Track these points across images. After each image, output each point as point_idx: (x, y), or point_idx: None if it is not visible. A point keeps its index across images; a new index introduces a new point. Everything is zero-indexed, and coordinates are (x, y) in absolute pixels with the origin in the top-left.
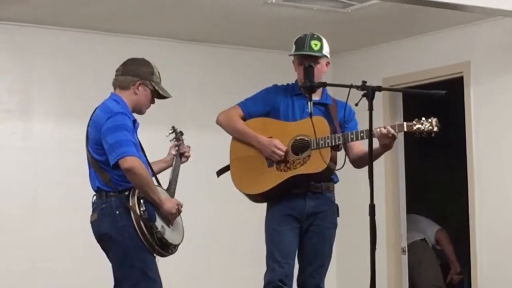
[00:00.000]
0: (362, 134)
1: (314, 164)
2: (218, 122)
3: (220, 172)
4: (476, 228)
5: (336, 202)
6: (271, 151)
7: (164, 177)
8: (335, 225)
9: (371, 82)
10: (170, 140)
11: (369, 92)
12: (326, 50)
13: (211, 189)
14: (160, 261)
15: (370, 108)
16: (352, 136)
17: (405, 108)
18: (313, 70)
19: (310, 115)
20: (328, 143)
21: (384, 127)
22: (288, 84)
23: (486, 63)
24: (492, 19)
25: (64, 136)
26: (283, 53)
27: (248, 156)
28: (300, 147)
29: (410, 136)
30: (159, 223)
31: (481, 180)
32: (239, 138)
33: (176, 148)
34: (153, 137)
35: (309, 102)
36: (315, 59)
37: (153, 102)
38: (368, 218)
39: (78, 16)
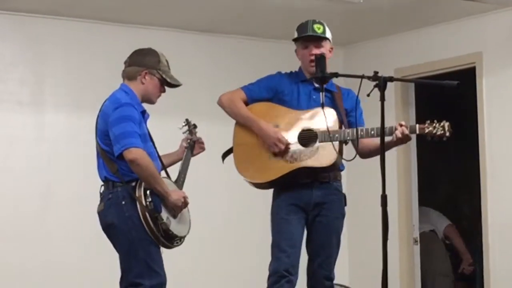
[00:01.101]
0: (373, 132)
1: (321, 158)
2: (220, 103)
3: (224, 155)
4: (488, 219)
5: (347, 191)
6: (273, 142)
7: (175, 171)
8: (342, 215)
9: (383, 73)
10: (183, 133)
11: (381, 83)
12: (329, 35)
13: (222, 180)
14: (168, 252)
15: (382, 99)
16: (362, 133)
17: (417, 99)
18: (325, 60)
19: (322, 105)
20: (337, 137)
21: (400, 126)
22: (291, 72)
23: (499, 53)
24: (505, 9)
25: (76, 127)
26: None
27: (252, 142)
28: (307, 138)
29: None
30: (164, 214)
31: (493, 171)
32: (240, 122)
33: (188, 140)
34: (165, 128)
35: (321, 93)
36: (319, 42)
37: (163, 91)
38: (380, 208)
39: (91, 7)
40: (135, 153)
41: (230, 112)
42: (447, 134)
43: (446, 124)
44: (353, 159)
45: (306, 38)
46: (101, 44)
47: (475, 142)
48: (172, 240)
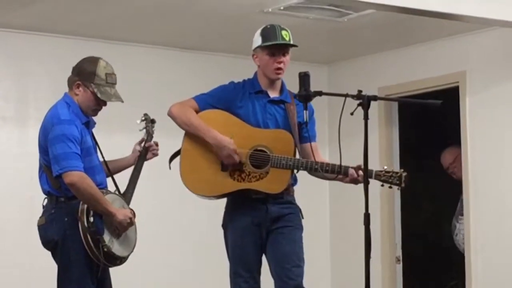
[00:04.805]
0: (327, 168)
1: (270, 184)
2: (170, 114)
3: (172, 158)
4: (471, 238)
5: (330, 210)
6: (228, 154)
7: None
8: (302, 227)
9: (367, 91)
10: (140, 130)
11: (365, 101)
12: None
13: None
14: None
15: (366, 118)
16: (316, 166)
17: (401, 118)
18: (309, 79)
19: (306, 123)
20: (290, 165)
21: (357, 169)
22: (245, 81)
23: (482, 73)
24: (488, 29)
25: None
26: None
27: (201, 152)
28: (259, 159)
29: (403, 146)
30: (107, 236)
31: (477, 190)
32: (191, 132)
33: (143, 143)
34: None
35: (304, 111)
36: (287, 49)
37: (102, 104)
38: (363, 227)
39: (75, 23)
40: (73, 177)
41: (181, 122)
42: (402, 185)
43: (404, 175)
44: (335, 179)
45: (274, 45)
46: None
47: None
48: (114, 260)
